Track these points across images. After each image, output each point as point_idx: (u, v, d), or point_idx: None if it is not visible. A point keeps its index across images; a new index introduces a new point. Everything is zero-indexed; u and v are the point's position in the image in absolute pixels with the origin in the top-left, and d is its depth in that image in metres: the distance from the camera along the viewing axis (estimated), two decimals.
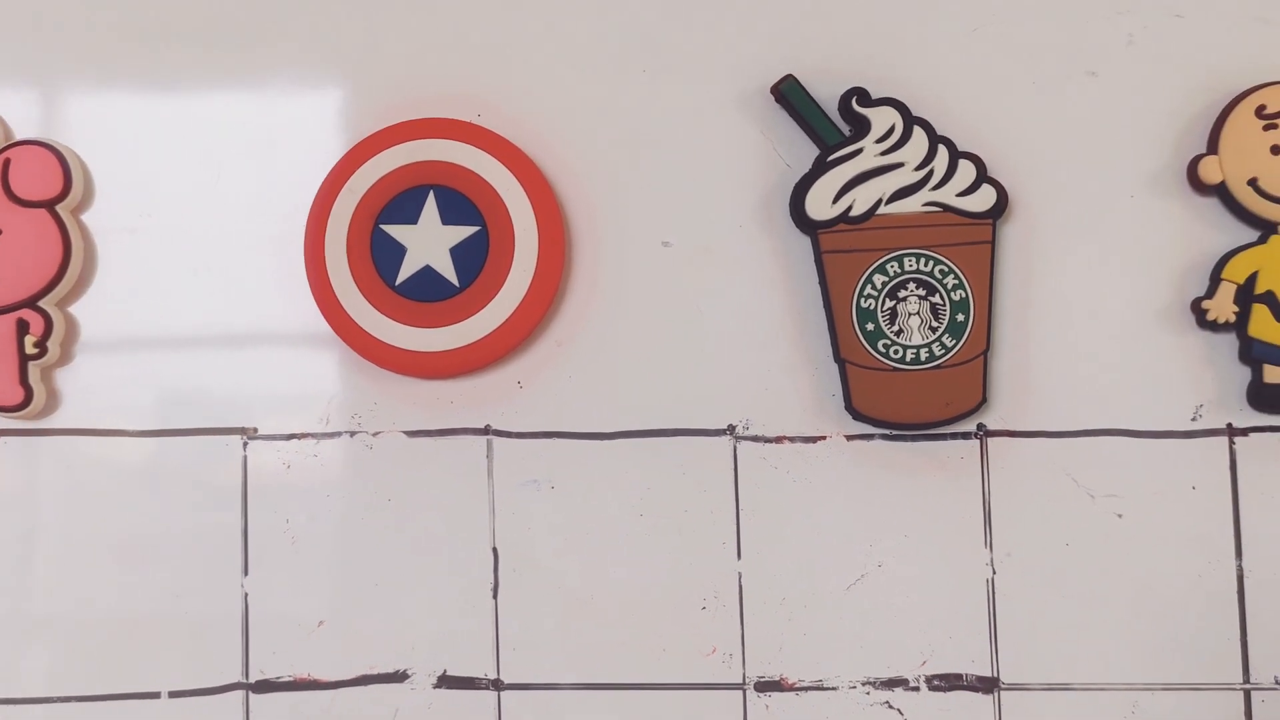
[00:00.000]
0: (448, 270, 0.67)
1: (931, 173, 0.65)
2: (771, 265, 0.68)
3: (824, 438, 0.67)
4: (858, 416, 0.66)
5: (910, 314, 0.65)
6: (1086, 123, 0.67)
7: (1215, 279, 0.65)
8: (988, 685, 0.66)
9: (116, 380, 0.69)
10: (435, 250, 0.67)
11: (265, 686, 0.68)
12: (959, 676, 0.66)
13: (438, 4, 0.70)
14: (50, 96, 0.71)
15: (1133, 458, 0.66)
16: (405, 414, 0.68)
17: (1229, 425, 0.66)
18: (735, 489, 0.67)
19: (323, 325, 0.68)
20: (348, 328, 0.67)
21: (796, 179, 0.66)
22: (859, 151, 0.66)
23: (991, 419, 0.67)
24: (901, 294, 0.65)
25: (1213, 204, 0.67)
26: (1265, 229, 0.65)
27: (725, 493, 0.67)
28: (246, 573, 0.68)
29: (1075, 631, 0.66)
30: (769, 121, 0.68)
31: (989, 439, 0.67)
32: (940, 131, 0.66)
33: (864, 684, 0.66)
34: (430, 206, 0.67)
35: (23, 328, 0.67)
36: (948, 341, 0.65)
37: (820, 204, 0.66)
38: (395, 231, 0.67)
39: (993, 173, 0.66)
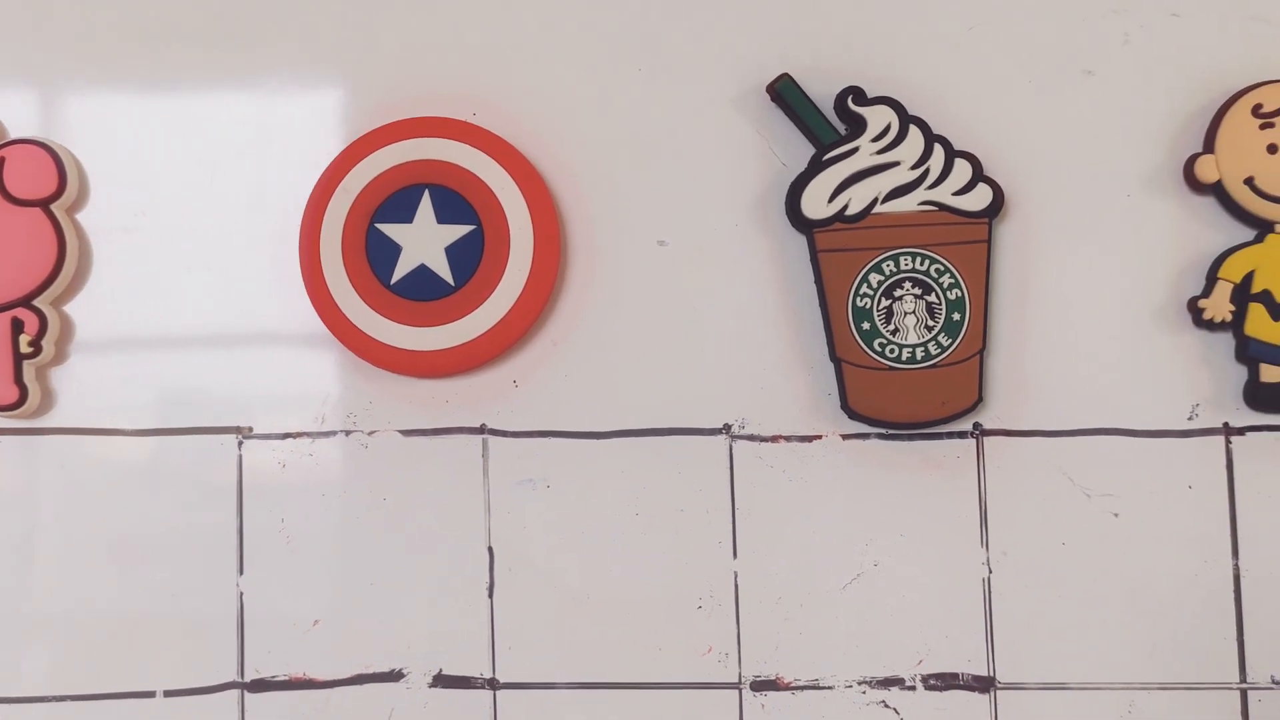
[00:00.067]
0: (443, 269, 0.67)
1: (927, 171, 0.65)
2: (767, 264, 0.68)
3: (820, 437, 0.67)
4: (853, 416, 0.66)
5: (906, 313, 0.65)
6: (1083, 122, 0.67)
7: (1211, 278, 0.65)
8: (984, 684, 0.66)
9: (111, 379, 0.69)
10: (430, 249, 0.67)
11: (260, 686, 0.67)
12: (955, 676, 0.66)
13: (433, 3, 0.70)
14: (45, 95, 0.71)
15: (1129, 457, 0.66)
16: (401, 413, 0.68)
17: (1225, 424, 0.66)
18: (731, 488, 0.67)
19: (318, 324, 0.68)
20: (343, 327, 0.67)
21: (792, 178, 0.66)
22: (855, 150, 0.66)
23: (987, 418, 0.67)
24: (897, 293, 0.65)
25: (1209, 203, 0.67)
26: (1262, 228, 0.65)
27: (721, 492, 0.67)
28: (242, 572, 0.68)
29: (1072, 631, 0.65)
30: (765, 120, 0.68)
31: (985, 438, 0.67)
32: (936, 130, 0.66)
33: (860, 683, 0.66)
34: (425, 205, 0.67)
35: (17, 326, 0.67)
36: (943, 341, 0.65)
37: (816, 203, 0.66)
38: (390, 230, 0.67)
39: (989, 172, 0.66)
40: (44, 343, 0.67)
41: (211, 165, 0.70)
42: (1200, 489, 0.66)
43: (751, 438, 0.67)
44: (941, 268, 0.65)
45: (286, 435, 0.69)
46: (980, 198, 0.65)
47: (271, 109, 0.70)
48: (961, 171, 0.65)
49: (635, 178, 0.68)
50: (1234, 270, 0.65)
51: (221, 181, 0.70)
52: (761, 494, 0.67)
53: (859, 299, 0.65)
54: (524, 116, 0.69)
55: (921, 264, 0.65)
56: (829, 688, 0.66)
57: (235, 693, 0.67)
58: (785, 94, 0.67)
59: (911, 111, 0.66)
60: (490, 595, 0.67)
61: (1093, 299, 0.67)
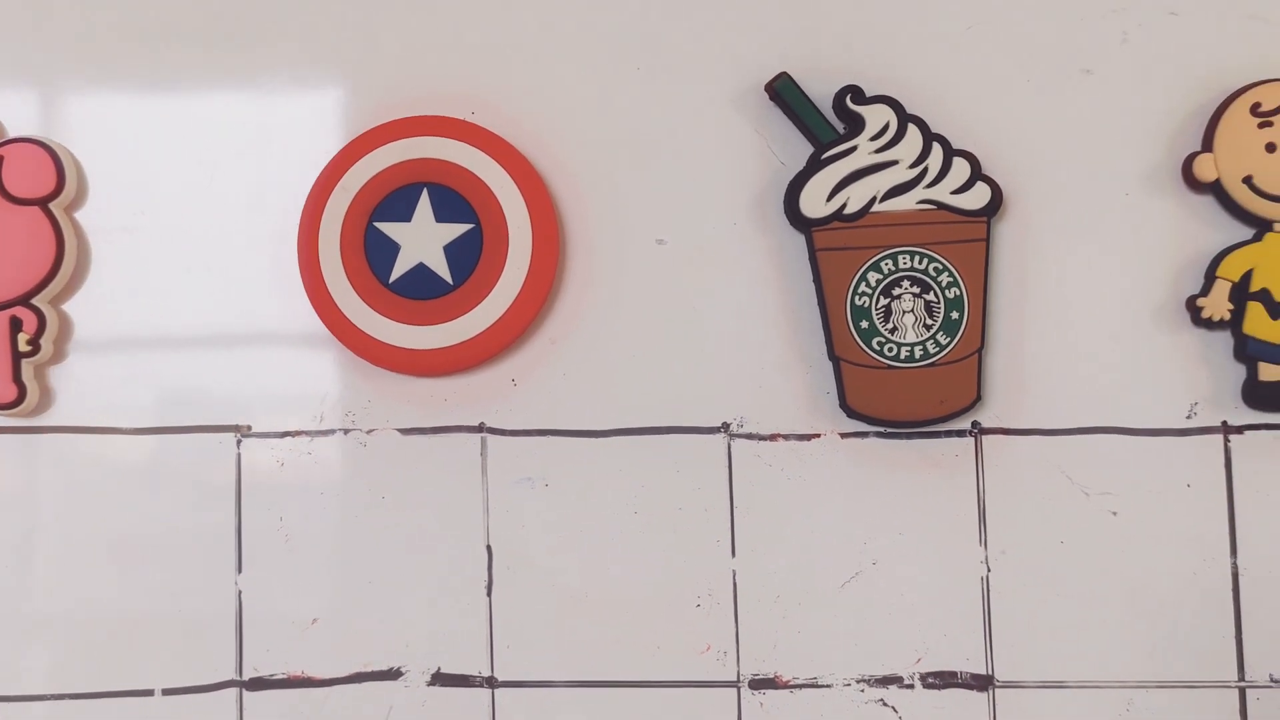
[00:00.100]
0: (441, 268, 0.67)
1: (926, 170, 0.65)
2: (766, 263, 0.68)
3: (818, 435, 0.67)
4: (852, 414, 0.66)
5: (904, 312, 0.65)
6: (1081, 121, 0.67)
7: (1210, 277, 0.65)
8: (982, 683, 0.66)
9: (109, 378, 0.69)
10: (429, 248, 0.67)
11: (259, 684, 0.67)
12: (954, 674, 0.66)
13: (432, 3, 0.70)
14: (44, 94, 0.71)
15: (1127, 456, 0.66)
16: (399, 412, 0.68)
17: (1224, 423, 0.66)
18: (730, 487, 0.67)
19: (317, 323, 0.68)
20: (342, 326, 0.67)
21: (791, 177, 0.66)
22: (853, 149, 0.66)
23: (986, 417, 0.67)
24: (896, 292, 0.65)
25: (1208, 202, 0.67)
26: (1260, 227, 0.65)
27: (719, 491, 0.67)
28: (240, 570, 0.68)
29: (1070, 629, 0.65)
30: (763, 119, 0.68)
31: (983, 437, 0.67)
32: (935, 129, 0.66)
33: (858, 682, 0.66)
34: (424, 204, 0.67)
35: (16, 325, 0.67)
36: (942, 339, 0.65)
37: (814, 202, 0.66)
38: (389, 229, 0.67)
39: (987, 170, 0.66)
40: (42, 341, 0.68)
41: (210, 164, 0.70)
42: (1199, 487, 0.66)
43: (750, 436, 0.67)
44: (940, 266, 0.65)
45: (285, 434, 0.69)
46: (979, 196, 0.65)
47: (271, 108, 0.70)
48: (960, 170, 0.65)
49: (634, 176, 0.68)
50: (1232, 269, 0.65)
51: (220, 181, 0.70)
52: (760, 493, 0.67)
53: (857, 297, 0.65)
54: (523, 115, 0.69)
55: (920, 263, 0.65)
56: (827, 686, 0.66)
57: (234, 691, 0.67)
58: (784, 93, 0.67)
59: (910, 110, 0.66)
60: (489, 594, 0.67)
61: (1091, 298, 0.67)
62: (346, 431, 0.68)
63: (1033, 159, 0.67)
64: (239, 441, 0.69)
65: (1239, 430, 0.66)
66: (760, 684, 0.66)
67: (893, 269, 0.65)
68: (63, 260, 0.68)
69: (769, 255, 0.68)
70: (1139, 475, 0.66)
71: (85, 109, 0.70)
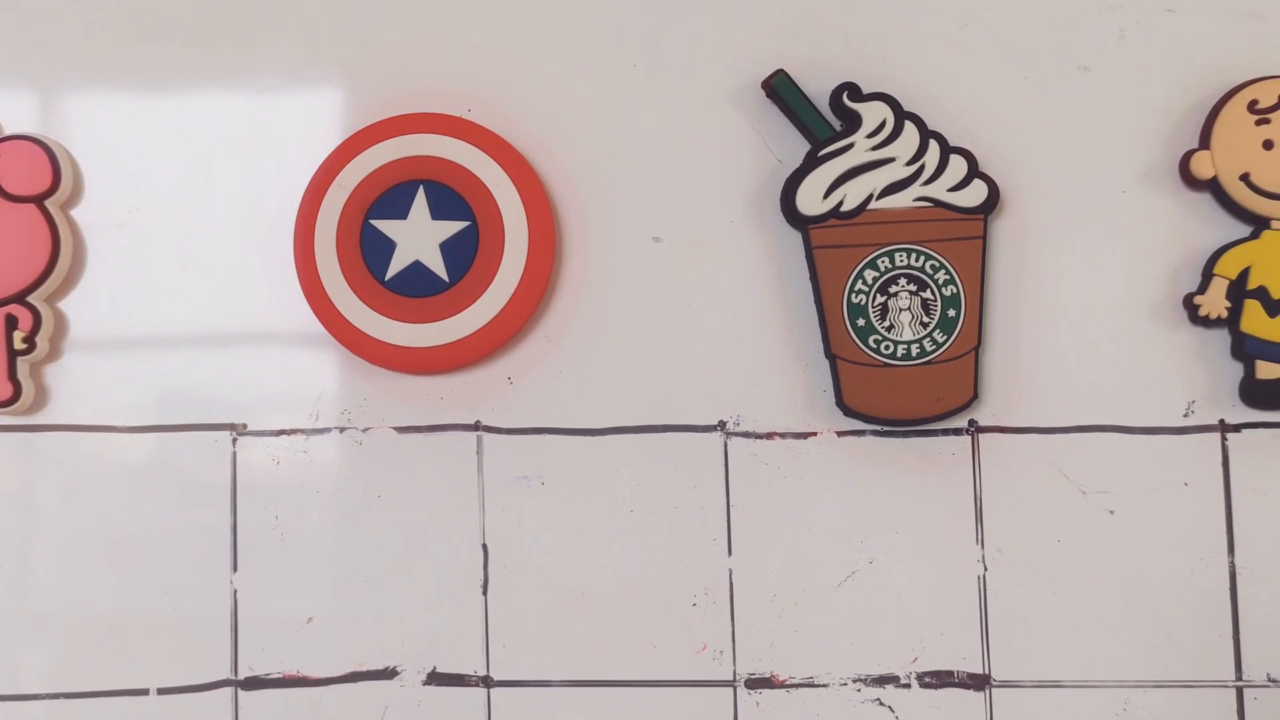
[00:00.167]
0: (437, 265, 0.67)
1: (923, 168, 0.65)
2: (762, 261, 0.67)
3: (815, 434, 0.67)
4: (849, 412, 0.66)
5: (901, 309, 0.65)
6: (1078, 118, 0.67)
7: (1207, 274, 0.65)
8: (979, 682, 0.65)
9: (105, 376, 0.69)
10: (425, 245, 0.67)
11: (254, 683, 0.67)
12: (950, 673, 0.66)
13: (428, 0, 0.70)
14: (40, 92, 0.71)
15: (1125, 454, 0.66)
16: (395, 410, 0.68)
17: (1221, 421, 0.66)
18: (726, 485, 0.67)
19: (312, 321, 0.67)
20: (337, 323, 0.67)
21: (787, 174, 0.66)
22: (850, 146, 0.66)
23: (983, 415, 0.67)
24: (892, 289, 0.65)
25: (1205, 199, 0.66)
26: (1257, 224, 0.65)
27: (716, 489, 0.67)
28: (236, 569, 0.68)
29: (1067, 628, 0.65)
30: (760, 116, 0.68)
31: (980, 435, 0.66)
32: (932, 126, 0.66)
33: (855, 681, 0.66)
34: (420, 201, 0.67)
35: (11, 323, 0.67)
36: (939, 337, 0.65)
37: (811, 199, 0.66)
38: (385, 227, 0.67)
39: (984, 168, 0.66)
40: (38, 339, 0.67)
41: (206, 162, 0.70)
42: (1196, 486, 0.66)
43: (746, 434, 0.67)
44: (937, 264, 0.65)
45: (281, 432, 0.68)
46: (975, 194, 0.65)
47: (267, 106, 0.70)
48: (957, 167, 0.65)
49: (630, 174, 0.68)
50: (1230, 266, 0.65)
51: (216, 178, 0.70)
52: (756, 491, 0.67)
53: (854, 295, 0.65)
54: (519, 113, 0.69)
55: (917, 260, 0.65)
56: (824, 685, 0.66)
57: (229, 690, 0.67)
58: (780, 90, 0.67)
59: (907, 107, 0.66)
60: (484, 592, 0.67)
61: (1088, 295, 0.66)
62: (342, 430, 0.68)
63: (1030, 156, 0.67)
64: (234, 440, 0.68)
65: (1236, 428, 0.66)
66: (756, 683, 0.66)
67: (889, 266, 0.65)
68: (58, 258, 0.68)
69: (765, 253, 0.68)
70: (1136, 474, 0.66)
71: (81, 106, 0.70)
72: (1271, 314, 0.64)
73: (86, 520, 0.68)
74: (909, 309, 0.65)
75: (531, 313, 0.67)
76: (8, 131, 0.69)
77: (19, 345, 0.67)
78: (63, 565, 0.68)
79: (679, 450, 0.67)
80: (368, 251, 0.67)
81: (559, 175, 0.68)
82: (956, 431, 0.66)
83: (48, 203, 0.68)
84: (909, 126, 0.66)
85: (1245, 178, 0.65)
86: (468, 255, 0.67)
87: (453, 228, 0.67)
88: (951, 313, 0.65)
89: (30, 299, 0.68)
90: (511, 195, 0.67)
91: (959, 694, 0.65)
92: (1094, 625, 0.65)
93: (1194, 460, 0.66)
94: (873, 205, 0.65)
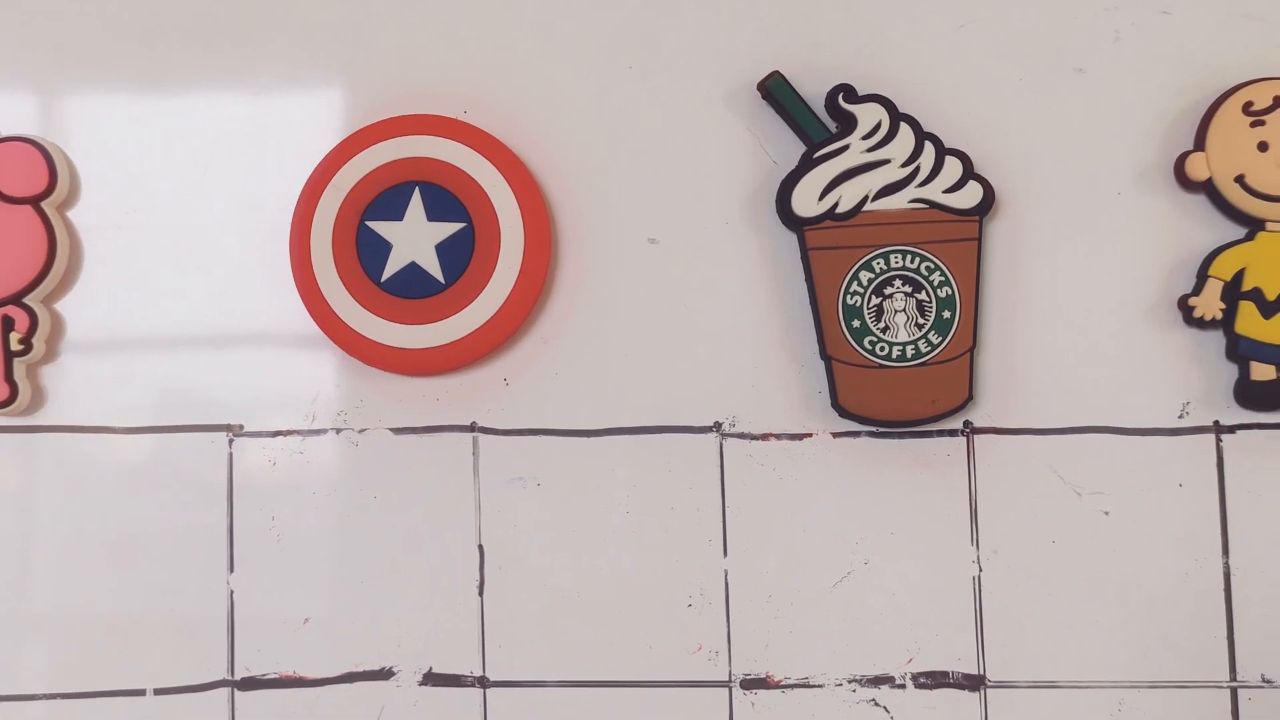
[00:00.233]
0: (433, 267, 0.67)
1: (918, 169, 0.65)
2: (758, 262, 0.67)
3: (810, 435, 0.67)
4: (844, 414, 0.66)
5: (896, 311, 0.65)
6: (1074, 119, 0.67)
7: (1202, 276, 0.65)
8: (974, 683, 0.66)
9: (102, 377, 0.69)
10: (421, 247, 0.67)
11: (250, 684, 0.67)
12: (945, 674, 0.66)
13: (425, 1, 0.69)
14: (36, 93, 0.71)
15: (1119, 455, 0.66)
16: (391, 411, 0.68)
17: (1216, 423, 0.66)
18: (721, 486, 0.67)
19: (308, 322, 0.67)
20: (333, 325, 0.67)
21: (783, 176, 0.66)
22: (845, 148, 0.66)
23: (978, 416, 0.67)
24: (888, 291, 0.65)
25: (1200, 201, 0.66)
26: (1252, 226, 0.65)
27: (711, 490, 0.67)
28: (232, 570, 0.68)
29: (1062, 629, 0.65)
30: (755, 118, 0.68)
31: (975, 436, 0.67)
32: (927, 128, 0.66)
33: (850, 681, 0.66)
34: (416, 203, 0.67)
35: (8, 324, 0.67)
36: (934, 338, 0.65)
37: (806, 200, 0.66)
38: (380, 228, 0.67)
39: (979, 169, 0.66)
40: (34, 340, 0.67)
41: (203, 163, 0.70)
42: (1191, 487, 0.66)
43: (742, 436, 0.67)
44: (932, 265, 0.65)
45: (277, 433, 0.69)
46: (971, 195, 0.65)
47: (263, 107, 0.70)
48: (952, 169, 0.65)
49: (626, 175, 0.68)
50: (1224, 268, 0.65)
51: (212, 179, 0.70)
52: (752, 492, 0.67)
53: (849, 297, 0.65)
54: (515, 114, 0.69)
55: (912, 262, 0.65)
56: (819, 686, 0.66)
57: (225, 691, 0.67)
58: (776, 92, 0.67)
59: (902, 109, 0.66)
60: (480, 593, 0.67)
61: (1083, 297, 0.67)
62: (338, 431, 0.68)
63: (1025, 158, 0.67)
64: (231, 441, 0.69)
65: (1231, 430, 0.66)
66: (752, 684, 0.66)
67: (885, 268, 0.65)
68: (55, 259, 0.68)
69: (761, 254, 0.68)
70: (1131, 475, 0.66)
71: (77, 107, 0.70)
72: (1266, 315, 0.65)
73: (83, 521, 0.68)
74: (904, 310, 0.65)
75: (527, 314, 0.67)
76: (4, 133, 0.69)
77: (15, 347, 0.67)
78: (59, 566, 0.68)
79: (675, 451, 0.67)
80: (364, 253, 0.67)
81: (555, 176, 0.68)
82: (951, 433, 0.67)
83: (44, 204, 0.68)
84: (904, 128, 0.66)
85: (1240, 179, 0.65)
86: (463, 257, 0.67)
87: (448, 229, 0.67)
88: (946, 314, 0.65)
89: (26, 300, 0.68)
90: (507, 197, 0.67)
91: (954, 694, 0.66)
92: (1089, 626, 0.65)
93: (1189, 461, 0.66)
94: (868, 207, 0.65)
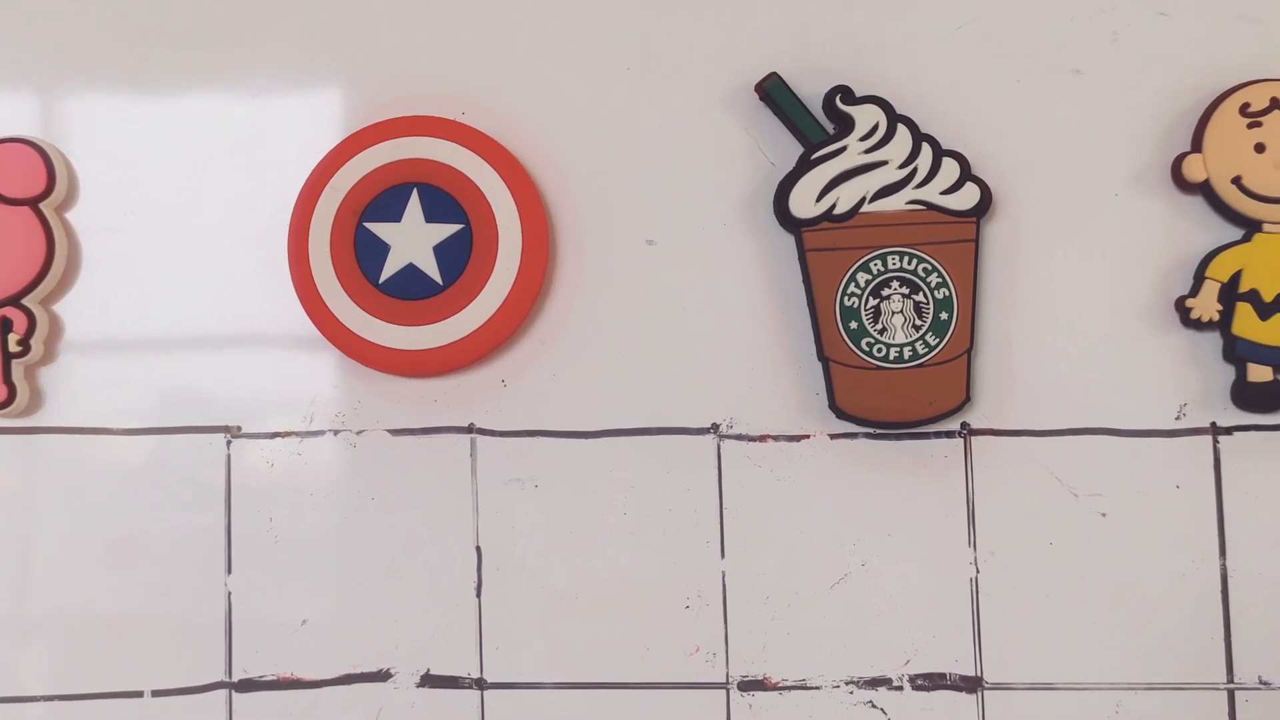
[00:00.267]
0: (431, 268, 0.67)
1: (915, 171, 0.65)
2: (755, 263, 0.68)
3: (808, 436, 0.67)
4: (841, 415, 0.66)
5: (894, 312, 0.65)
6: (1071, 121, 0.67)
7: (1199, 277, 0.65)
8: (971, 685, 0.66)
9: (100, 378, 0.69)
10: (419, 248, 0.67)
11: (248, 686, 0.67)
12: (942, 676, 0.66)
13: (422, 3, 0.70)
14: (35, 94, 0.71)
15: (1116, 457, 0.66)
16: (389, 412, 0.68)
17: (1213, 424, 0.66)
18: (719, 488, 0.67)
19: (306, 324, 0.67)
20: (331, 326, 0.67)
21: (780, 177, 0.66)
22: (843, 149, 0.66)
23: (975, 418, 0.67)
24: (885, 292, 0.65)
25: (1197, 202, 0.66)
26: (1249, 227, 0.65)
27: (709, 492, 0.67)
28: (230, 571, 0.68)
29: (1059, 631, 0.65)
30: (753, 119, 0.68)
31: (972, 438, 0.67)
32: (924, 129, 0.66)
33: (847, 683, 0.66)
34: (414, 204, 0.67)
35: (6, 325, 0.67)
36: (931, 340, 0.65)
37: (804, 202, 0.66)
38: (379, 229, 0.67)
39: (976, 171, 0.66)
40: (32, 342, 0.68)
41: (201, 165, 0.70)
42: (1188, 489, 0.66)
43: (739, 437, 0.67)
44: (929, 267, 0.65)
45: (275, 435, 0.69)
46: (968, 197, 0.65)
47: (261, 109, 0.70)
48: (949, 171, 0.65)
49: (624, 177, 0.68)
50: (1221, 269, 0.65)
51: (211, 181, 0.70)
52: (749, 494, 0.67)
53: (847, 298, 0.65)
54: (513, 115, 0.69)
55: (909, 263, 0.65)
56: (816, 688, 0.66)
57: (223, 692, 0.67)
58: (774, 93, 0.67)
59: (899, 111, 0.66)
60: (478, 595, 0.67)
61: (1080, 298, 0.67)
62: (336, 432, 0.68)
63: (1022, 159, 0.67)
64: (229, 442, 0.69)
65: (1228, 431, 0.66)
66: (749, 685, 0.66)
67: (882, 269, 0.65)
68: (53, 260, 0.68)
69: (759, 256, 0.68)
70: (1128, 476, 0.66)
71: (76, 109, 0.70)
72: (1263, 317, 0.65)
73: (80, 522, 0.69)
74: (901, 312, 0.65)
75: (525, 315, 0.67)
76: (2, 134, 0.69)
77: (13, 348, 0.67)
78: (56, 567, 0.68)
79: (672, 453, 0.67)
80: (362, 255, 0.67)
81: (553, 178, 0.68)
82: (949, 434, 0.67)
83: (42, 205, 0.68)
84: (902, 130, 0.66)
85: (1237, 181, 0.65)
86: (461, 258, 0.67)
87: (446, 231, 0.67)
88: (944, 315, 0.65)
89: (25, 302, 0.68)
90: (505, 198, 0.67)
91: (951, 696, 0.66)
92: (1086, 627, 0.65)
93: (1186, 463, 0.66)
94: (865, 208, 0.65)
